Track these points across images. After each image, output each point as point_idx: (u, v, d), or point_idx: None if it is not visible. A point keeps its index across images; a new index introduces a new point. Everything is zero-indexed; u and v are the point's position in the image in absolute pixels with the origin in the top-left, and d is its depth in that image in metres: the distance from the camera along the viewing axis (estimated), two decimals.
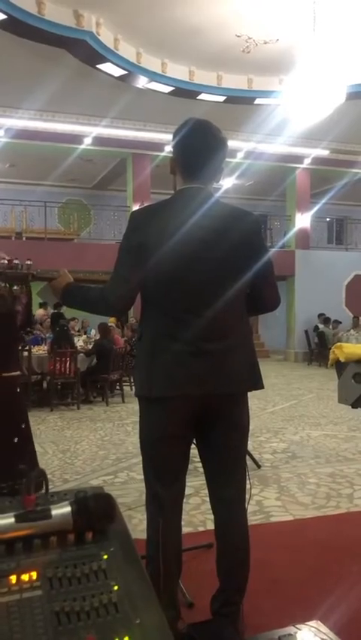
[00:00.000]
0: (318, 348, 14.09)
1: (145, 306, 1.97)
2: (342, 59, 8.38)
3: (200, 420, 1.96)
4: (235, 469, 2.02)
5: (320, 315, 14.70)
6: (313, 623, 1.08)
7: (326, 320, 14.58)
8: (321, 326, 14.51)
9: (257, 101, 10.92)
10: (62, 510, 0.95)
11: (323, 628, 1.13)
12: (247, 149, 13.77)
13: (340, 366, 1.42)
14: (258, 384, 1.99)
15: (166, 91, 10.48)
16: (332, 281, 15.22)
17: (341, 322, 14.48)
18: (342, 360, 1.39)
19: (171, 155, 2.05)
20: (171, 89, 10.41)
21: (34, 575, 0.87)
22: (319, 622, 1.11)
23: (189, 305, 1.88)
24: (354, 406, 1.39)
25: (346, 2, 8.02)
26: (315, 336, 14.49)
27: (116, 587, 0.83)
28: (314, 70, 7.72)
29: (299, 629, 1.14)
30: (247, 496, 2.07)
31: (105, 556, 0.89)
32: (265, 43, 9.28)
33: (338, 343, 1.43)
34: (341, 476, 4.48)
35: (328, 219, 19.21)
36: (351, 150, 14.51)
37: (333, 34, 8.34)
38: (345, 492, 4.08)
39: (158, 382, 1.88)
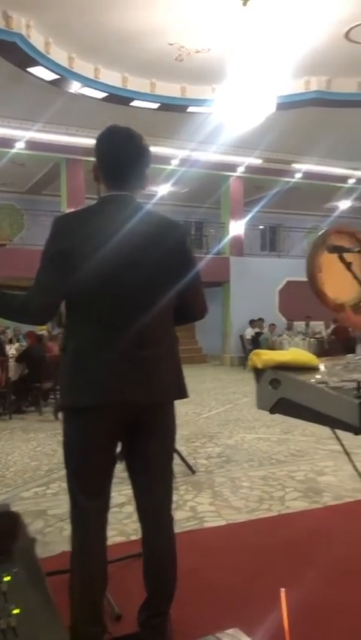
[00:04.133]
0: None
1: (70, 315, 1.92)
2: (272, 70, 8.59)
3: (126, 429, 1.93)
4: (162, 477, 2.00)
5: (252, 322, 14.95)
6: (231, 631, 1.08)
7: (259, 324, 14.90)
8: (249, 330, 14.85)
9: (190, 109, 11.04)
10: None
11: (242, 636, 1.13)
12: (181, 157, 13.88)
13: (258, 373, 1.43)
14: (183, 393, 1.99)
15: (99, 96, 10.42)
16: (266, 287, 15.54)
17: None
18: (260, 366, 1.40)
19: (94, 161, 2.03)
20: (105, 94, 10.37)
21: None
22: (238, 630, 1.10)
23: (118, 313, 1.85)
24: (272, 411, 1.41)
25: (276, 14, 8.24)
26: (250, 341, 14.76)
27: (16, 611, 0.79)
28: (245, 80, 7.87)
29: (219, 639, 1.13)
30: (173, 506, 2.05)
31: (7, 578, 0.84)
32: (198, 52, 9.41)
33: (256, 350, 1.45)
34: (273, 479, 4.55)
35: (261, 227, 19.62)
36: (283, 159, 14.91)
37: (263, 46, 8.54)
38: (277, 494, 4.15)
39: (82, 392, 1.84)
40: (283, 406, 1.39)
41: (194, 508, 3.86)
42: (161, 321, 1.92)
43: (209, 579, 2.69)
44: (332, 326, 13.98)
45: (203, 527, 3.51)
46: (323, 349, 13.49)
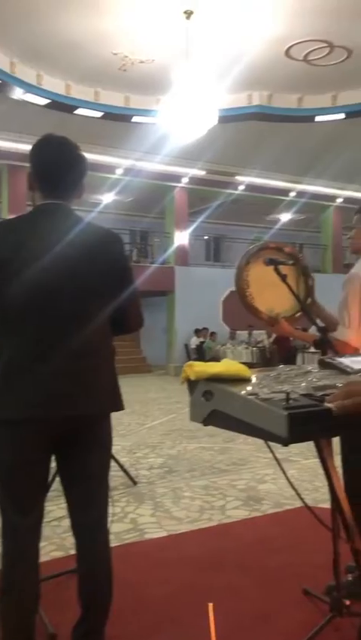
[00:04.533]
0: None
1: (0, 326, 1.87)
2: (214, 83, 8.73)
3: (60, 442, 1.89)
4: (97, 492, 1.97)
5: (197, 331, 15.07)
6: None
7: (212, 333, 15.04)
8: (194, 339, 14.95)
9: (135, 119, 11.05)
10: None
11: None
12: (125, 166, 13.89)
13: (191, 385, 1.43)
14: (119, 405, 1.97)
15: (42, 103, 10.29)
16: (210, 296, 15.68)
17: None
18: (192, 378, 1.40)
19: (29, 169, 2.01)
20: (48, 101, 10.24)
21: None
22: None
23: (53, 325, 1.82)
24: (205, 423, 1.41)
25: (218, 29, 8.39)
26: (195, 351, 14.85)
27: None
28: (188, 93, 7.95)
29: None
30: (110, 520, 2.02)
31: None
32: (142, 62, 9.44)
33: (189, 362, 1.45)
34: (214, 488, 4.57)
35: (206, 237, 19.84)
36: (226, 171, 15.13)
37: (206, 59, 8.67)
38: (218, 504, 4.16)
39: (14, 404, 1.79)
40: (216, 418, 1.39)
41: (135, 520, 3.83)
42: (97, 333, 1.90)
43: (145, 593, 2.67)
44: (274, 335, 14.23)
45: (143, 539, 3.49)
46: (265, 358, 13.73)
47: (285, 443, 1.19)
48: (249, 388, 1.36)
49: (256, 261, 2.40)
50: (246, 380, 1.46)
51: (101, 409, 1.92)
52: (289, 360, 12.02)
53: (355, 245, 2.64)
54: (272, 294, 2.27)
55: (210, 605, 1.05)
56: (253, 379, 1.46)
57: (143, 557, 3.14)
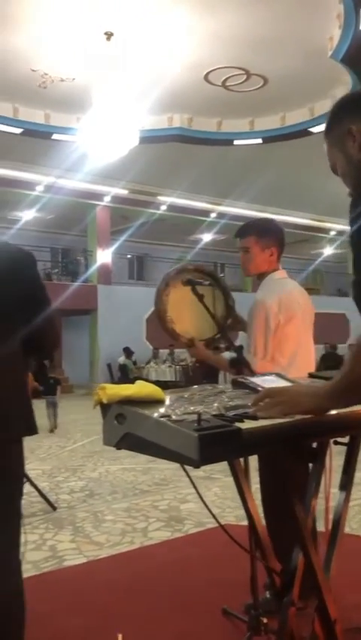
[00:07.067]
0: (121, 382, 14.31)
1: None
2: (135, 104, 8.81)
3: None
4: (5, 522, 1.87)
5: (126, 349, 14.95)
6: None
7: (129, 353, 14.87)
8: (122, 359, 14.78)
9: (55, 136, 10.96)
10: None
11: None
12: (46, 183, 13.69)
13: (104, 408, 1.40)
14: (32, 429, 1.90)
15: None
16: (134, 315, 15.64)
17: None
18: (105, 401, 1.37)
19: None
20: None
21: None
22: None
23: None
24: (118, 447, 1.38)
25: (139, 52, 8.49)
26: (120, 368, 14.71)
27: None
28: (109, 113, 7.98)
29: None
30: (22, 551, 1.93)
31: None
32: (62, 80, 9.39)
33: (102, 384, 1.41)
34: (136, 510, 4.50)
35: (129, 256, 19.86)
36: (148, 191, 15.25)
37: (127, 80, 8.74)
38: (140, 526, 4.10)
39: None
40: (129, 441, 1.36)
41: (54, 547, 3.70)
42: (6, 359, 1.82)
43: (61, 624, 2.56)
44: None
45: (62, 567, 3.37)
46: (188, 376, 13.82)
47: (196, 465, 1.18)
48: (161, 410, 1.34)
49: (174, 283, 2.41)
50: (159, 402, 1.44)
51: (7, 434, 1.84)
52: (212, 378, 12.14)
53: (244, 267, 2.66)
54: (191, 317, 2.29)
55: (120, 635, 1.01)
56: (167, 401, 1.45)
57: (59, 587, 3.03)
